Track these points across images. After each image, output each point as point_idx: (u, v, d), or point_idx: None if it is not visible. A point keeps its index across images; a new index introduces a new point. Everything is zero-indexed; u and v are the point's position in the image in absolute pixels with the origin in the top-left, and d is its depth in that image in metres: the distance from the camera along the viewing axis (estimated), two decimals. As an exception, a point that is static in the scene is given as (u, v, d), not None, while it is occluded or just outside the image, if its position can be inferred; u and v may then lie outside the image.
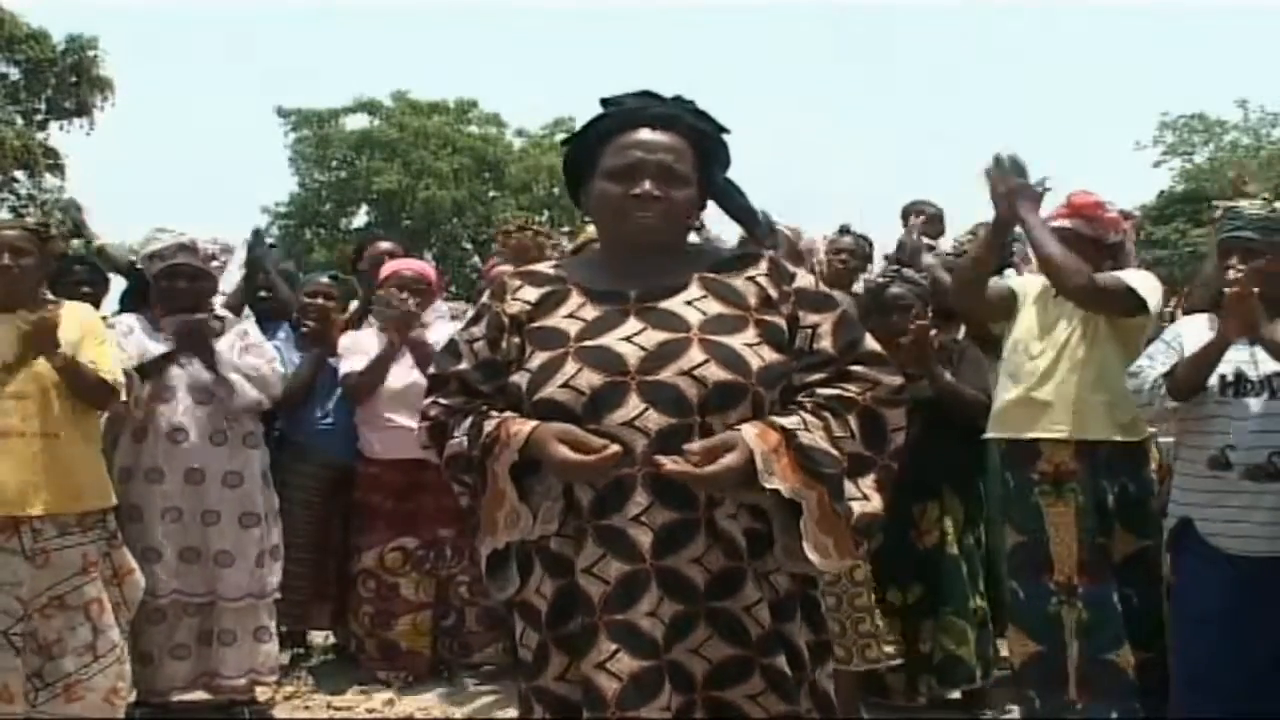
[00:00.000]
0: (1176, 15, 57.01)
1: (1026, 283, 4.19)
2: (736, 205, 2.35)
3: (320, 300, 5.28)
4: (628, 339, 2.14)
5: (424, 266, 5.39)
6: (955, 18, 56.31)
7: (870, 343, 2.26)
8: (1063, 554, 3.83)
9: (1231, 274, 3.24)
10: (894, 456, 2.21)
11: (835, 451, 2.11)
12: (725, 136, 2.31)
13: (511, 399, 2.19)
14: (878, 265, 5.42)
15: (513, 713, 4.48)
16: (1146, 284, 3.89)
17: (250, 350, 4.49)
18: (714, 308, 2.18)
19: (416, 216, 29.18)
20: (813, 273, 4.46)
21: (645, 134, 2.22)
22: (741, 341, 2.14)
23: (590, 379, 2.10)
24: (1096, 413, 3.82)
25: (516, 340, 2.23)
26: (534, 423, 2.12)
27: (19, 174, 22.49)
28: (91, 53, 22.52)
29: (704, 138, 2.28)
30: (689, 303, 2.18)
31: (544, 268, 2.37)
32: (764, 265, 2.26)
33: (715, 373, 2.09)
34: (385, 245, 5.79)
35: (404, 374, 4.96)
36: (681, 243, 2.30)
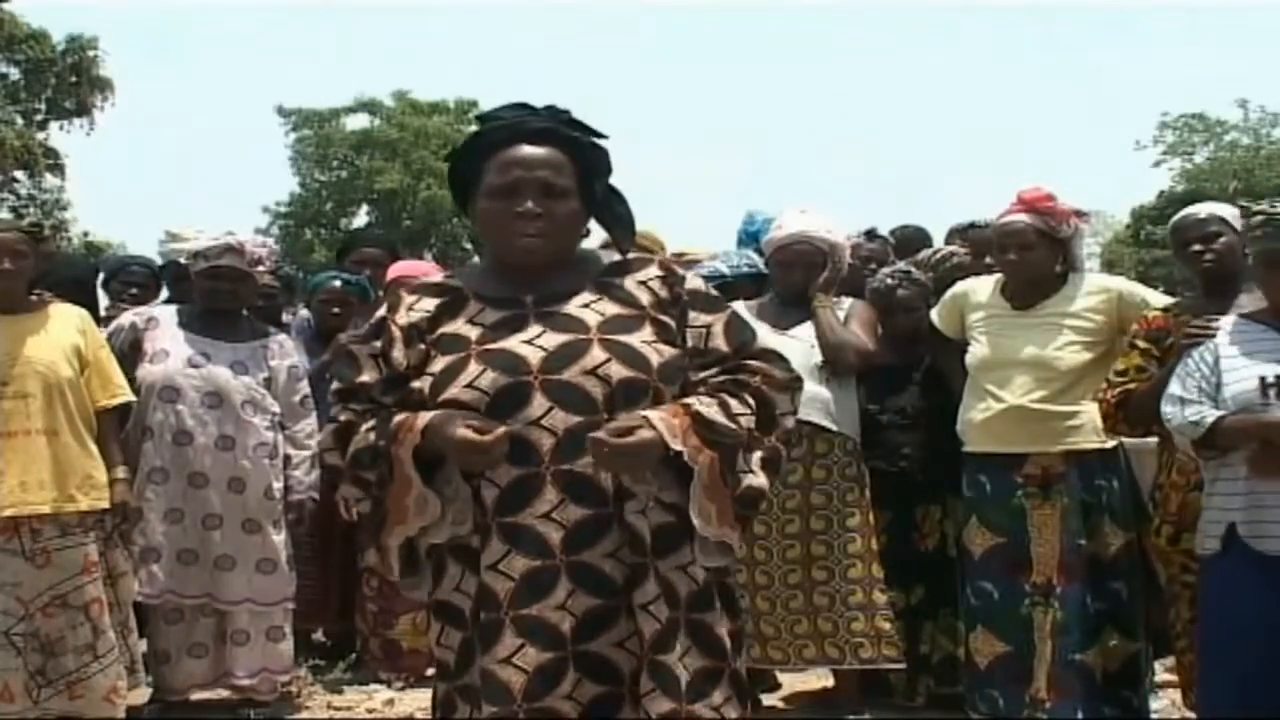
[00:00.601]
0: (1176, 15, 57.07)
1: (970, 289, 4.18)
2: (612, 214, 2.38)
3: (337, 309, 5.28)
4: (529, 341, 2.18)
5: (428, 270, 5.38)
6: (955, 17, 56.36)
7: (761, 341, 2.35)
8: (1045, 554, 3.86)
9: None
10: (782, 439, 2.27)
11: (733, 424, 2.16)
12: (604, 143, 2.34)
13: (414, 406, 2.22)
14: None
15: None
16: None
17: (297, 388, 4.58)
18: (610, 309, 2.24)
19: (417, 216, 29.20)
20: (837, 274, 4.45)
21: (524, 150, 2.25)
22: (640, 339, 2.20)
23: (494, 379, 2.14)
24: (1088, 424, 3.84)
25: (421, 348, 2.25)
26: (436, 411, 2.16)
27: (19, 174, 22.52)
28: (91, 53, 22.56)
29: (583, 148, 2.31)
30: (585, 305, 2.24)
31: (439, 278, 2.42)
32: (655, 269, 2.32)
33: (618, 370, 2.15)
34: (372, 252, 5.81)
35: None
36: (571, 252, 2.34)
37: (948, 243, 5.41)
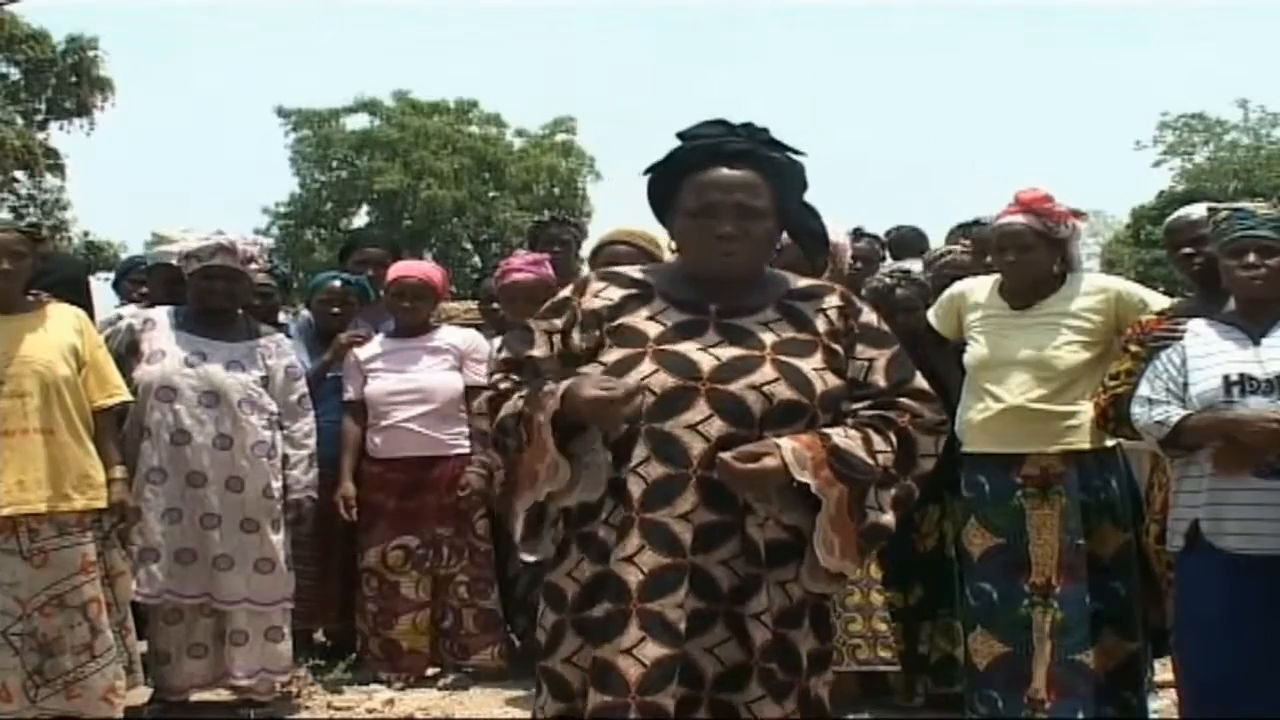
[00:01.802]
0: (1176, 15, 57.10)
1: (968, 289, 4.18)
2: (806, 230, 2.47)
3: (337, 309, 5.28)
4: (705, 349, 2.26)
5: (429, 270, 5.38)
6: (955, 17, 56.38)
7: (920, 381, 2.40)
8: (1044, 555, 3.85)
9: (1245, 274, 3.21)
10: (917, 480, 2.34)
11: (870, 460, 2.24)
12: (800, 160, 2.42)
13: None
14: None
15: (514, 712, 4.50)
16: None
17: (294, 386, 4.58)
18: (787, 331, 2.32)
19: (417, 216, 29.17)
20: (839, 274, 4.46)
21: (723, 173, 2.33)
22: (810, 365, 2.28)
23: (664, 380, 2.22)
24: (1086, 424, 3.83)
25: (597, 334, 2.32)
26: (565, 380, 2.24)
27: (19, 174, 22.52)
28: (91, 53, 22.56)
29: (779, 166, 2.37)
30: (764, 324, 2.32)
31: (629, 271, 2.49)
32: (836, 298, 2.40)
33: (783, 391, 2.23)
34: (374, 252, 5.80)
35: (406, 376, 4.98)
36: (761, 269, 2.42)
37: (949, 242, 5.41)
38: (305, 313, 5.71)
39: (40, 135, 22.88)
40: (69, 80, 22.56)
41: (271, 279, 5.30)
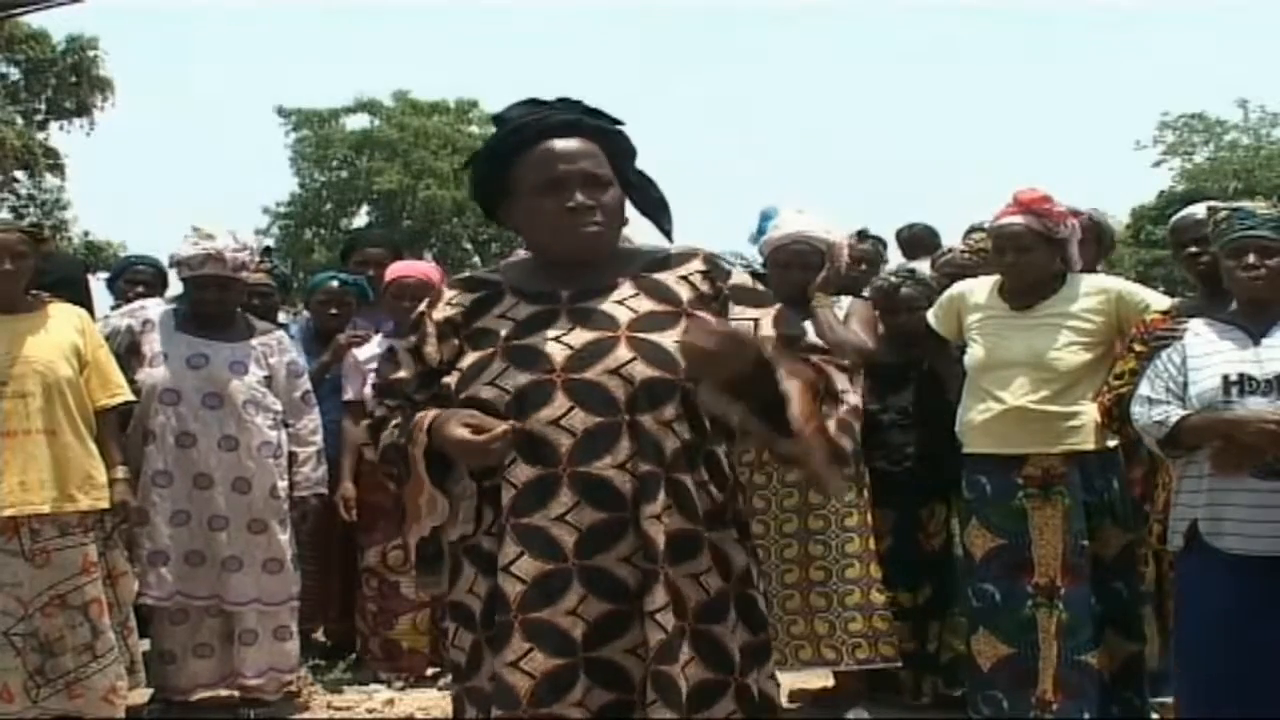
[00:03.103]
0: (1176, 15, 57.09)
1: (968, 290, 4.18)
2: (649, 199, 2.32)
3: (335, 310, 5.29)
4: (556, 339, 2.14)
5: (428, 270, 5.38)
6: (954, 17, 56.35)
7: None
8: (1047, 556, 3.85)
9: (1245, 274, 3.22)
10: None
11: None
12: (623, 129, 2.30)
13: (444, 402, 2.21)
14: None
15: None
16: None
17: (297, 384, 4.58)
18: (645, 305, 2.18)
19: (417, 216, 29.20)
20: (837, 274, 4.46)
21: (559, 144, 2.20)
22: (671, 338, 2.12)
23: (516, 378, 2.11)
24: (1088, 425, 3.84)
25: (455, 343, 2.23)
26: (435, 412, 2.15)
27: (19, 174, 22.51)
28: (91, 53, 22.55)
29: (607, 136, 2.26)
30: (620, 301, 2.19)
31: (482, 273, 2.38)
32: (698, 262, 2.26)
33: (642, 370, 2.09)
34: (375, 252, 5.80)
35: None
36: (614, 244, 2.29)
37: (965, 241, 5.42)
38: (306, 313, 5.71)
39: (40, 135, 22.88)
40: (69, 80, 22.56)
41: (271, 279, 5.31)
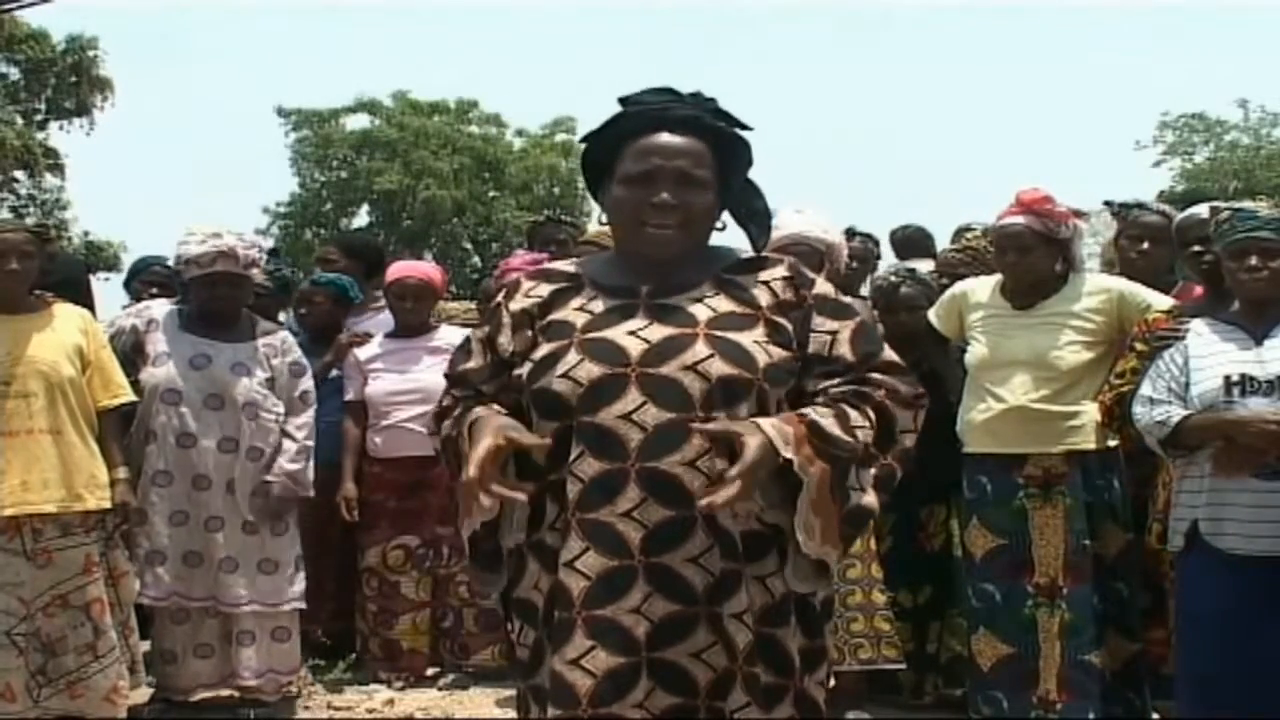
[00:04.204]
0: (1176, 15, 57.06)
1: (969, 289, 4.19)
2: (749, 210, 2.29)
3: (304, 309, 5.35)
4: (633, 333, 2.11)
5: (428, 270, 5.39)
6: (955, 17, 56.33)
7: (889, 353, 2.23)
8: (1048, 556, 3.86)
9: (1247, 275, 3.22)
10: (899, 459, 2.17)
11: (850, 437, 2.07)
12: (747, 135, 2.26)
13: (517, 393, 2.18)
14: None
15: (514, 713, 4.49)
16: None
17: (298, 383, 4.57)
18: (724, 305, 2.15)
19: (417, 216, 29.15)
20: (836, 273, 4.47)
21: (664, 138, 2.17)
22: (750, 338, 2.11)
23: (590, 370, 2.08)
24: (1089, 425, 3.84)
25: (529, 334, 2.21)
26: (485, 414, 2.13)
27: (19, 174, 22.50)
28: (91, 53, 22.51)
29: (725, 139, 2.22)
30: (699, 300, 2.16)
31: (561, 265, 2.36)
32: (783, 269, 2.23)
33: (719, 367, 2.06)
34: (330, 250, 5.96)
35: (407, 376, 5.00)
36: (700, 246, 2.25)
37: (953, 243, 5.44)
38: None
39: (40, 135, 22.85)
40: (69, 80, 22.52)
41: (271, 280, 5.31)
